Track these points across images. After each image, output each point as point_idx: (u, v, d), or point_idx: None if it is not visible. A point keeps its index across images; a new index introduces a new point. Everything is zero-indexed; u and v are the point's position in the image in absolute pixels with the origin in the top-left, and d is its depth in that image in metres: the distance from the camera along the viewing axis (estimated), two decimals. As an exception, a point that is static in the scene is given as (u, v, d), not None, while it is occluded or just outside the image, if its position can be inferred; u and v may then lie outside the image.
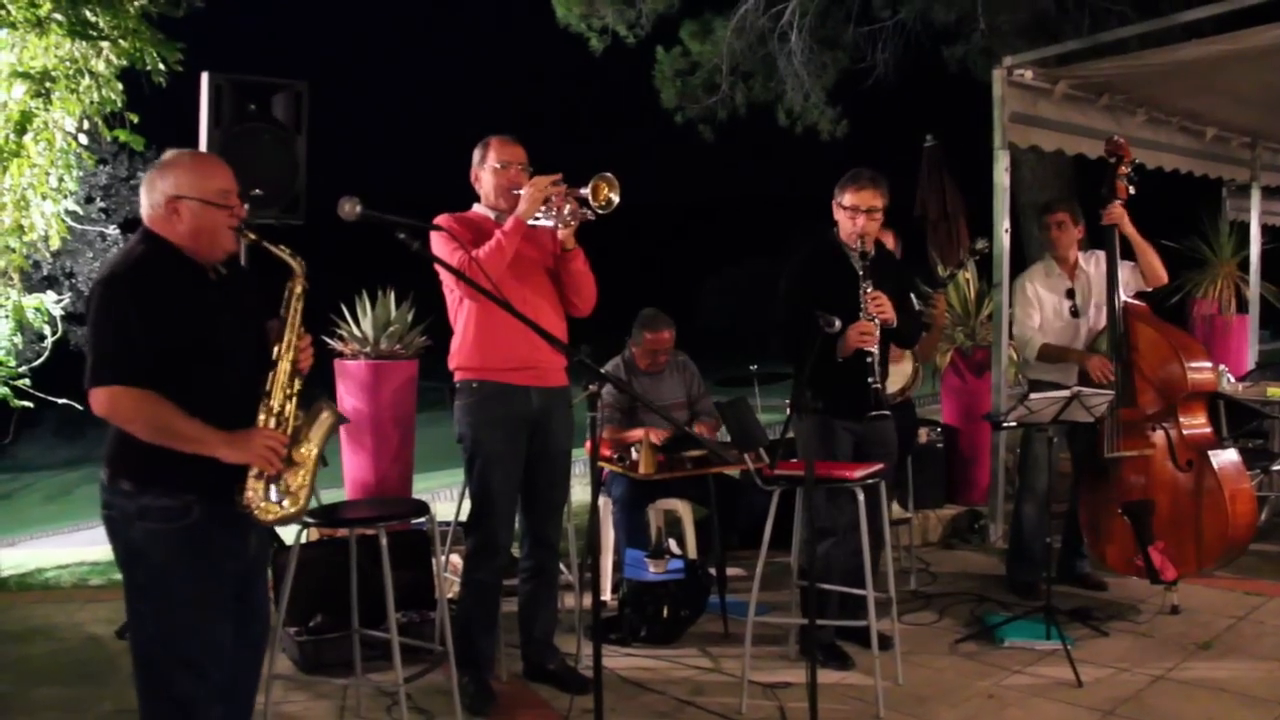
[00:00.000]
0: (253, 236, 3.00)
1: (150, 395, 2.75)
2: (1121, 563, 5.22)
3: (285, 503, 2.93)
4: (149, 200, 2.93)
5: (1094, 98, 6.87)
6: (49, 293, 6.51)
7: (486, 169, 4.30)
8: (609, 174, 4.04)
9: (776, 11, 11.65)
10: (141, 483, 2.83)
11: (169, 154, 3.02)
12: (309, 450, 3.00)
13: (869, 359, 4.40)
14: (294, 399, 2.98)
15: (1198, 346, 5.36)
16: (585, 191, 4.07)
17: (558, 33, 11.86)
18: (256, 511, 2.90)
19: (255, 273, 3.21)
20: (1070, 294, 5.51)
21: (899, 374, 5.79)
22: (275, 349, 2.97)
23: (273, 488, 2.91)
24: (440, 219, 4.13)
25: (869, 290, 4.42)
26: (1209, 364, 5.30)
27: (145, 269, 2.85)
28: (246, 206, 3.10)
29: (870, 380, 4.40)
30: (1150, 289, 5.45)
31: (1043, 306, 5.53)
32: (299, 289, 3.03)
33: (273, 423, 2.92)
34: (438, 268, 3.84)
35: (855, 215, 4.50)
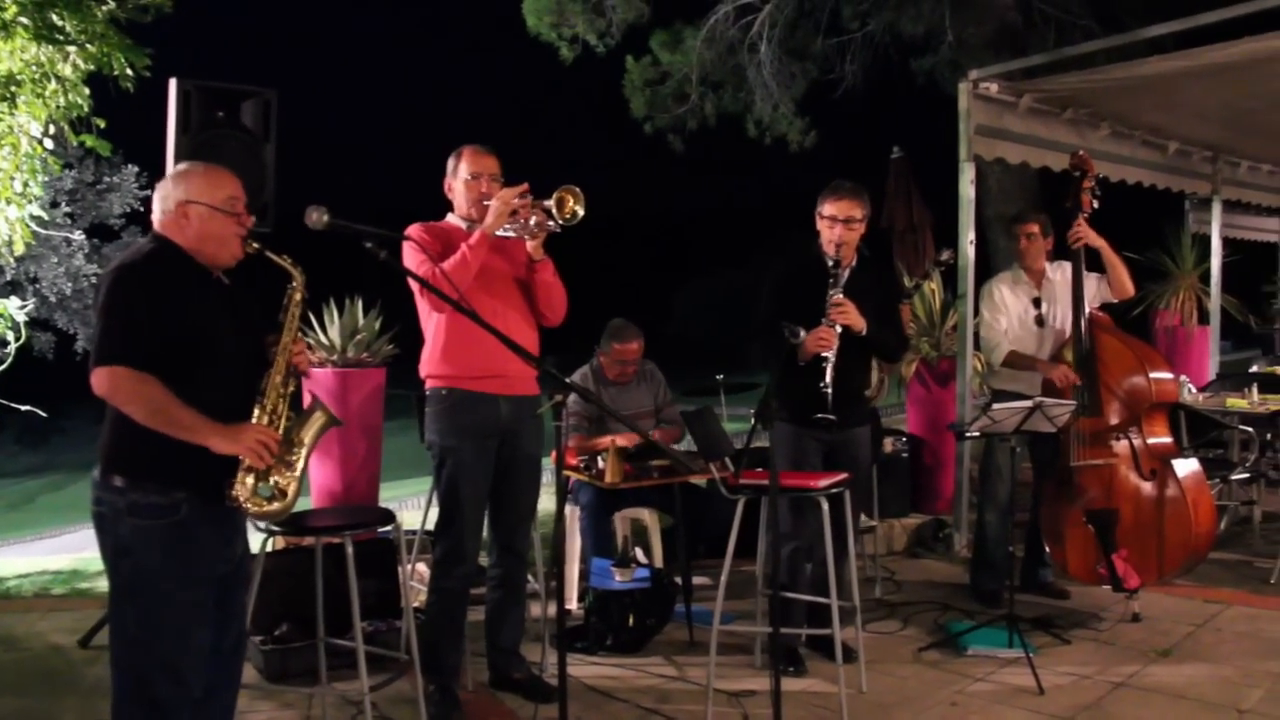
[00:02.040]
0: (256, 246, 3.11)
1: (149, 378, 2.82)
2: (1084, 571, 5.28)
3: (274, 499, 3.00)
4: (161, 205, 3.06)
5: (1059, 111, 6.95)
6: (13, 298, 6.45)
7: (459, 179, 4.29)
8: (574, 186, 4.03)
9: (746, 22, 11.72)
10: (134, 478, 2.88)
11: (184, 164, 3.21)
12: (300, 449, 3.07)
13: (823, 364, 4.48)
14: (287, 399, 3.06)
15: (1160, 358, 5.44)
16: (550, 204, 4.06)
17: (528, 42, 11.87)
18: (246, 506, 2.95)
19: (254, 284, 3.29)
20: (1037, 303, 5.57)
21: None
22: (271, 350, 3.07)
23: (262, 484, 2.97)
24: (410, 229, 4.12)
25: (835, 296, 4.53)
26: (1171, 375, 5.38)
27: (155, 263, 2.96)
28: (253, 217, 3.19)
29: (821, 385, 4.46)
30: (1117, 300, 5.52)
31: (1009, 313, 5.59)
32: (298, 296, 3.16)
33: (266, 420, 2.98)
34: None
35: (833, 224, 4.60)
